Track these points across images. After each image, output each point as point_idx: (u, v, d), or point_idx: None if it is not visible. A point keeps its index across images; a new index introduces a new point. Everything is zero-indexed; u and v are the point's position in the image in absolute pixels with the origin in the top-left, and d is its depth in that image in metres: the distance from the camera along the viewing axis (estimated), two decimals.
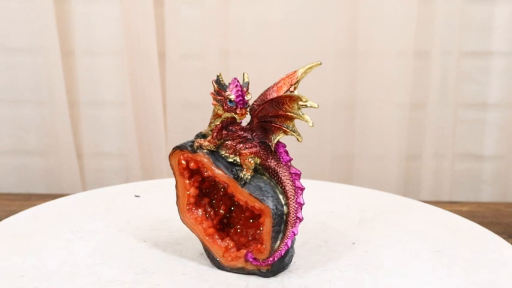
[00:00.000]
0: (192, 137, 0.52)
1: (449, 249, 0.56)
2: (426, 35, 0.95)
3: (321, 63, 0.49)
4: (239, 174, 0.48)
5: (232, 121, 0.49)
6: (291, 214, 0.48)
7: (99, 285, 0.47)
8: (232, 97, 0.47)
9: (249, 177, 0.48)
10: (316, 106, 0.46)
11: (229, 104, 0.47)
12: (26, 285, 0.47)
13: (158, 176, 0.99)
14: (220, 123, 0.49)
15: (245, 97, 0.47)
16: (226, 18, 0.94)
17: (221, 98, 0.47)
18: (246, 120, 0.50)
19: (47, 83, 0.96)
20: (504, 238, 0.59)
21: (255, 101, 0.48)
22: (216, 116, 0.49)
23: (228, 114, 0.48)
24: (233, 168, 0.49)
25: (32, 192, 1.02)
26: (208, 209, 0.51)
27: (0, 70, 0.98)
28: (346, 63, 0.96)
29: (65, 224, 0.59)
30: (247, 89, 0.48)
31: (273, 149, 0.48)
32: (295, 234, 0.48)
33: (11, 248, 0.53)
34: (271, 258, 0.49)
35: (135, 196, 0.67)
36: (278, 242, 0.49)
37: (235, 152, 0.49)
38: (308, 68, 0.49)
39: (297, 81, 0.48)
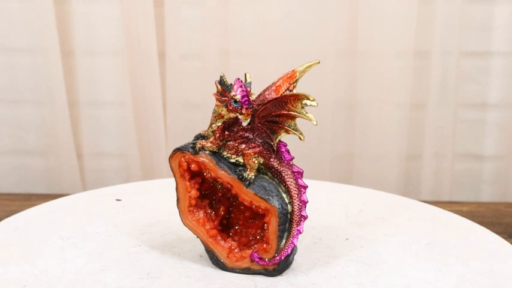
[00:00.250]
0: (191, 138, 0.52)
1: (449, 249, 0.56)
2: (426, 35, 0.95)
3: (319, 62, 0.49)
4: (243, 174, 0.48)
5: (234, 122, 0.49)
6: (296, 212, 0.49)
7: None
8: (238, 97, 0.47)
9: (253, 177, 0.48)
10: (316, 105, 0.46)
11: (234, 105, 0.47)
12: None
13: (158, 176, 0.99)
14: (222, 124, 0.49)
15: (249, 97, 0.47)
16: (226, 18, 0.94)
17: (225, 98, 0.47)
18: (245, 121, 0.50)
19: (47, 83, 0.96)
20: (504, 238, 0.59)
21: (253, 101, 0.48)
22: (218, 116, 0.48)
23: (232, 115, 0.48)
24: (236, 168, 0.49)
25: (32, 192, 1.02)
26: (209, 211, 0.51)
27: (0, 70, 0.98)
28: (346, 63, 0.96)
29: (54, 230, 0.58)
30: (250, 89, 0.48)
31: (275, 148, 0.49)
32: (300, 233, 0.49)
33: (7, 256, 0.52)
34: (278, 257, 0.49)
35: (117, 200, 0.66)
36: (284, 241, 0.49)
37: (238, 152, 0.49)
38: (306, 67, 0.49)
39: (296, 81, 0.48)
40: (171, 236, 0.57)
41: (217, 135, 0.49)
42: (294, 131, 0.48)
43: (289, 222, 0.49)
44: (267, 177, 0.50)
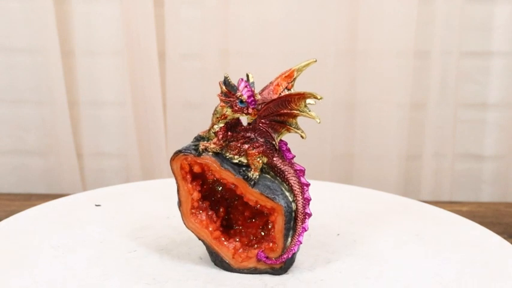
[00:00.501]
0: (191, 138, 0.51)
1: (449, 248, 0.56)
2: (426, 35, 0.95)
3: (316, 60, 0.49)
4: (248, 174, 0.48)
5: (236, 122, 0.49)
6: (300, 210, 0.49)
7: None
8: (245, 97, 0.46)
9: (257, 176, 0.49)
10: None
11: (240, 105, 0.47)
12: None
13: (158, 176, 0.99)
14: (225, 124, 0.49)
15: (255, 97, 0.47)
16: (226, 18, 0.94)
17: (230, 99, 0.47)
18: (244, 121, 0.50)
19: (47, 83, 0.96)
20: (504, 238, 0.59)
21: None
22: (221, 117, 0.48)
23: (237, 115, 0.48)
24: (240, 169, 0.49)
25: (32, 192, 1.02)
26: (210, 212, 0.51)
27: (0, 70, 0.98)
28: (346, 63, 0.96)
29: (46, 236, 0.56)
30: (254, 89, 0.48)
31: (277, 147, 0.49)
32: (306, 230, 0.49)
33: (5, 265, 0.51)
34: (285, 255, 0.49)
35: (96, 205, 0.65)
36: (289, 239, 0.49)
37: (240, 152, 0.49)
38: (304, 66, 0.49)
39: (294, 79, 0.49)
40: (165, 239, 0.56)
41: (221, 136, 0.49)
42: (295, 130, 0.48)
43: (293, 220, 0.49)
44: (269, 177, 0.50)
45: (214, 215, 0.51)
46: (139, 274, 0.49)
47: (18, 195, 0.97)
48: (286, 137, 0.50)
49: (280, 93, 0.48)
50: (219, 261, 0.51)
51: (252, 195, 0.49)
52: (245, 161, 0.49)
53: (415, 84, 0.97)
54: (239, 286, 0.48)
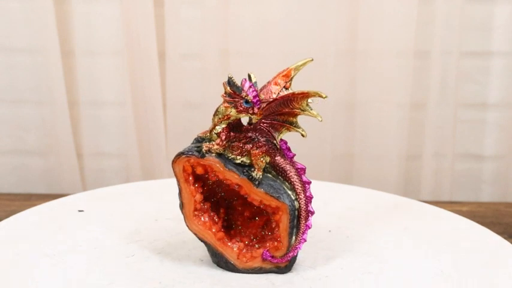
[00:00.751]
0: (192, 138, 0.51)
1: (449, 248, 0.56)
2: (426, 35, 0.95)
3: (312, 60, 0.49)
4: (252, 174, 0.49)
5: (238, 123, 0.49)
6: (302, 208, 0.49)
7: None
8: (250, 98, 0.47)
9: (261, 176, 0.49)
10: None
11: (245, 105, 0.47)
12: None
13: (158, 176, 0.98)
14: (227, 125, 0.49)
15: (259, 97, 0.47)
16: (226, 18, 0.94)
17: (234, 99, 0.47)
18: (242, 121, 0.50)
19: (47, 83, 0.96)
20: (504, 238, 0.59)
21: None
22: (224, 118, 0.48)
23: (242, 116, 0.48)
24: (243, 169, 0.49)
25: (32, 192, 1.02)
26: (211, 214, 0.51)
27: (0, 70, 0.98)
28: (346, 63, 0.96)
29: (40, 242, 0.55)
30: (258, 89, 0.48)
31: (278, 146, 0.49)
32: (309, 228, 0.50)
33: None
34: (291, 254, 0.50)
35: (79, 211, 0.63)
36: (293, 237, 0.50)
37: (243, 153, 0.49)
38: (301, 65, 0.49)
39: (291, 79, 0.49)
40: (161, 242, 0.56)
41: (224, 137, 0.48)
42: (296, 128, 0.49)
43: (297, 218, 0.49)
44: (271, 176, 0.50)
45: (215, 216, 0.51)
46: (143, 279, 0.49)
47: (18, 195, 0.97)
48: (286, 137, 0.50)
49: (278, 93, 0.48)
50: (223, 263, 0.51)
51: (257, 195, 0.49)
52: (247, 161, 0.49)
53: (415, 84, 0.97)
54: (247, 286, 0.48)
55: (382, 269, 0.51)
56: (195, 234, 0.51)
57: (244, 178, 0.49)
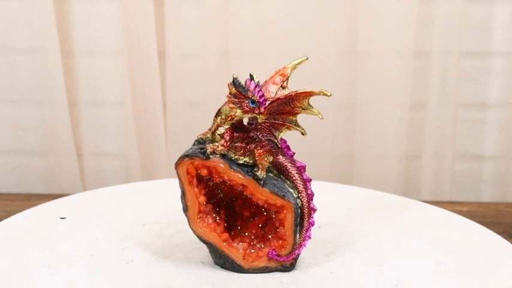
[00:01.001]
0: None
1: (449, 248, 0.56)
2: (426, 35, 0.95)
3: (307, 58, 0.49)
4: (257, 174, 0.49)
5: (240, 123, 0.49)
6: (305, 206, 0.50)
7: None
8: (257, 97, 0.47)
9: (265, 176, 0.49)
10: (330, 95, 0.48)
11: (252, 105, 0.47)
12: None
13: (158, 176, 0.98)
14: (231, 125, 0.48)
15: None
16: (226, 18, 0.94)
17: (239, 99, 0.47)
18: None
19: (47, 83, 0.96)
20: (504, 238, 0.59)
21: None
22: (228, 118, 0.48)
23: (247, 116, 0.47)
24: (247, 169, 0.49)
25: (32, 192, 1.02)
26: (214, 215, 0.51)
27: (0, 70, 0.98)
28: (346, 63, 0.96)
29: (40, 249, 0.53)
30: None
31: (279, 145, 0.49)
32: (313, 225, 0.50)
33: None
34: (296, 251, 0.50)
35: (61, 218, 0.61)
36: (298, 235, 0.50)
37: (245, 153, 0.49)
38: (297, 64, 0.49)
39: (287, 78, 0.49)
40: (154, 247, 0.55)
41: (228, 137, 0.48)
42: (296, 127, 0.49)
43: (300, 216, 0.50)
44: (272, 175, 0.50)
45: (217, 218, 0.51)
46: (150, 285, 0.48)
47: (18, 195, 0.97)
48: (286, 136, 0.50)
49: (276, 92, 0.48)
50: (229, 264, 0.50)
51: (262, 195, 0.49)
52: (251, 161, 0.49)
53: (415, 84, 0.96)
54: (256, 286, 0.48)
55: (382, 266, 0.52)
56: (200, 236, 0.50)
57: (249, 178, 0.49)
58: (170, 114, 0.97)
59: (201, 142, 0.50)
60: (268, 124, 0.49)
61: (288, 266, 0.50)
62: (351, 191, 0.73)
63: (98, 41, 0.96)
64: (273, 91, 0.48)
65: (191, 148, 0.49)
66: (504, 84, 0.98)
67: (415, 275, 0.50)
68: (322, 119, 0.48)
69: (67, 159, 0.98)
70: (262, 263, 0.50)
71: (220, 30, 0.94)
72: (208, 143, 0.49)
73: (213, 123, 0.49)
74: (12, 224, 0.59)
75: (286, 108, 0.48)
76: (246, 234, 0.51)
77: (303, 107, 0.48)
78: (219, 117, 0.48)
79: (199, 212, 0.50)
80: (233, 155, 0.49)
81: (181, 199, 0.50)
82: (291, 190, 0.50)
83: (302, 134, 0.49)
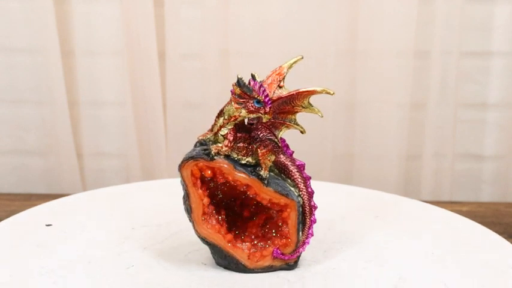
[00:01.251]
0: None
1: (449, 248, 0.56)
2: (426, 35, 0.95)
3: (302, 57, 0.50)
4: (261, 174, 0.49)
5: (242, 123, 0.49)
6: (306, 203, 0.50)
7: None
8: (262, 97, 0.47)
9: (268, 175, 0.49)
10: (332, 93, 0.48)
11: (257, 105, 0.47)
12: None
13: (158, 176, 0.98)
14: (235, 126, 0.48)
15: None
16: (226, 18, 0.94)
17: (244, 100, 0.47)
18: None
19: (47, 83, 0.96)
20: (504, 238, 0.59)
21: None
22: (231, 119, 0.48)
23: (252, 116, 0.47)
24: (250, 169, 0.49)
25: (32, 192, 1.02)
26: (216, 216, 0.51)
27: (0, 70, 0.98)
28: (346, 63, 0.96)
29: (38, 253, 0.52)
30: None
31: (279, 144, 0.49)
32: (314, 222, 0.51)
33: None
34: (300, 249, 0.50)
35: (46, 225, 0.59)
36: (300, 233, 0.50)
37: (248, 153, 0.49)
38: (292, 63, 0.50)
39: (283, 78, 0.49)
40: (152, 252, 0.54)
41: (232, 138, 0.48)
42: (295, 126, 0.50)
43: (301, 214, 0.50)
44: (273, 174, 0.50)
45: (220, 219, 0.51)
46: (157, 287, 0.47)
47: (18, 195, 0.97)
48: (285, 136, 0.50)
49: (274, 92, 0.48)
50: (234, 264, 0.50)
51: (267, 194, 0.49)
52: (253, 161, 0.49)
53: (415, 84, 0.96)
54: (264, 285, 0.48)
55: (383, 264, 0.52)
56: (204, 238, 0.50)
57: (254, 178, 0.49)
58: (170, 114, 0.97)
59: (203, 143, 0.50)
60: (268, 123, 0.49)
61: (292, 264, 0.51)
62: (351, 191, 0.73)
63: (98, 41, 0.96)
64: (270, 91, 0.48)
65: (194, 150, 0.49)
66: (504, 84, 0.98)
67: (415, 275, 0.50)
68: (322, 116, 0.48)
69: (67, 159, 0.98)
70: (267, 262, 0.50)
71: (220, 30, 0.94)
72: (211, 144, 0.49)
73: (215, 124, 0.49)
74: (12, 224, 0.59)
75: (287, 107, 0.48)
76: (246, 234, 0.51)
77: (303, 105, 0.48)
78: (222, 118, 0.48)
79: (204, 213, 0.49)
80: (236, 156, 0.49)
81: (185, 201, 0.50)
82: (292, 189, 0.50)
83: (301, 132, 0.50)
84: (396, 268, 0.51)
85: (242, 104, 0.47)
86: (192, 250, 0.54)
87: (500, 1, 0.95)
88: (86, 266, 0.51)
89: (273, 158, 0.49)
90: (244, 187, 0.49)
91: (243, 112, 0.47)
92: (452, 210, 0.68)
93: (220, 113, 0.48)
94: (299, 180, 0.50)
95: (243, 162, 0.49)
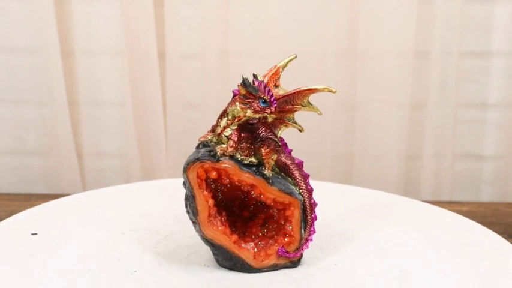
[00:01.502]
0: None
1: (449, 248, 0.56)
2: (426, 35, 0.95)
3: (296, 56, 0.50)
4: (265, 173, 0.49)
5: (245, 123, 0.49)
6: (306, 201, 0.51)
7: None
8: (267, 97, 0.47)
9: (271, 174, 0.49)
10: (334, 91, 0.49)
11: (262, 105, 0.47)
12: None
13: (158, 176, 0.98)
14: (238, 126, 0.48)
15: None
16: (226, 18, 0.94)
17: (250, 100, 0.47)
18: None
19: (47, 83, 0.96)
20: (504, 238, 0.59)
21: None
22: (235, 119, 0.48)
23: (258, 116, 0.47)
24: (254, 169, 0.49)
25: (32, 192, 1.02)
26: (219, 217, 0.51)
27: (0, 70, 0.98)
28: (346, 63, 0.96)
29: (37, 257, 0.51)
30: None
31: (279, 143, 0.50)
32: (316, 219, 0.51)
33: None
34: (304, 246, 0.51)
35: (32, 234, 0.57)
36: (303, 231, 0.51)
37: (250, 153, 0.49)
38: (287, 62, 0.51)
39: (279, 77, 0.49)
40: (150, 257, 0.53)
41: (236, 138, 0.48)
42: (293, 124, 0.50)
43: (303, 211, 0.50)
44: (274, 173, 0.50)
45: (223, 220, 0.51)
46: None
47: (18, 195, 0.97)
48: (285, 135, 0.51)
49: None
50: (239, 265, 0.50)
51: (271, 193, 0.49)
52: (256, 160, 0.49)
53: (415, 84, 0.97)
54: (272, 284, 0.48)
55: (383, 260, 0.52)
56: (211, 240, 0.49)
57: (259, 178, 0.49)
58: (170, 114, 0.97)
59: (206, 145, 0.49)
60: (269, 123, 0.49)
61: (295, 261, 0.51)
62: (351, 191, 0.73)
63: (98, 41, 0.96)
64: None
65: (199, 151, 0.49)
66: (504, 84, 0.98)
67: (415, 275, 0.50)
68: (321, 114, 0.49)
69: (67, 159, 0.98)
70: (272, 261, 0.50)
71: (220, 30, 0.94)
72: (214, 145, 0.49)
73: (218, 125, 0.49)
74: (12, 224, 0.59)
75: (287, 106, 0.49)
76: (247, 234, 0.52)
77: (303, 104, 0.49)
78: (225, 119, 0.48)
79: (209, 215, 0.49)
80: (239, 156, 0.49)
81: (190, 204, 0.49)
82: (293, 187, 0.50)
83: (300, 130, 0.50)
84: (397, 265, 0.52)
85: (248, 104, 0.47)
86: (190, 252, 0.53)
87: (500, 1, 0.95)
88: (87, 273, 0.49)
89: (275, 157, 0.49)
90: (249, 187, 0.49)
91: (249, 112, 0.47)
92: (452, 210, 0.68)
93: (223, 114, 0.48)
94: (299, 178, 0.50)
95: (246, 162, 0.49)
